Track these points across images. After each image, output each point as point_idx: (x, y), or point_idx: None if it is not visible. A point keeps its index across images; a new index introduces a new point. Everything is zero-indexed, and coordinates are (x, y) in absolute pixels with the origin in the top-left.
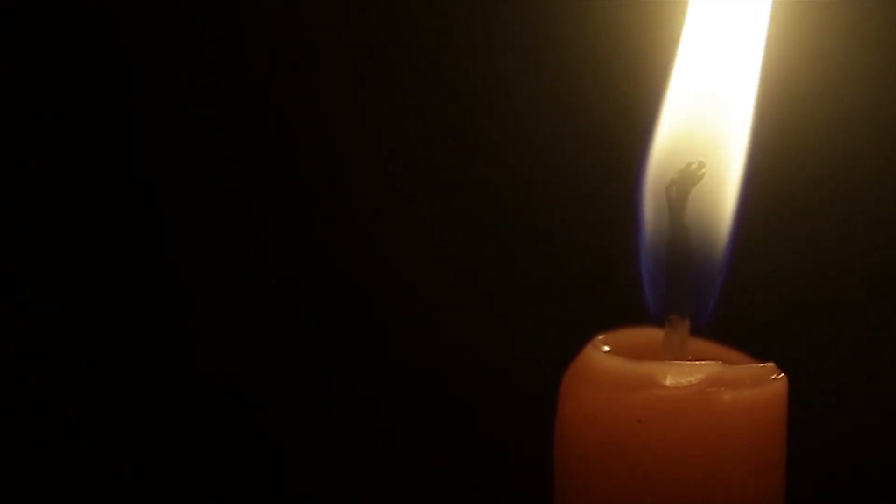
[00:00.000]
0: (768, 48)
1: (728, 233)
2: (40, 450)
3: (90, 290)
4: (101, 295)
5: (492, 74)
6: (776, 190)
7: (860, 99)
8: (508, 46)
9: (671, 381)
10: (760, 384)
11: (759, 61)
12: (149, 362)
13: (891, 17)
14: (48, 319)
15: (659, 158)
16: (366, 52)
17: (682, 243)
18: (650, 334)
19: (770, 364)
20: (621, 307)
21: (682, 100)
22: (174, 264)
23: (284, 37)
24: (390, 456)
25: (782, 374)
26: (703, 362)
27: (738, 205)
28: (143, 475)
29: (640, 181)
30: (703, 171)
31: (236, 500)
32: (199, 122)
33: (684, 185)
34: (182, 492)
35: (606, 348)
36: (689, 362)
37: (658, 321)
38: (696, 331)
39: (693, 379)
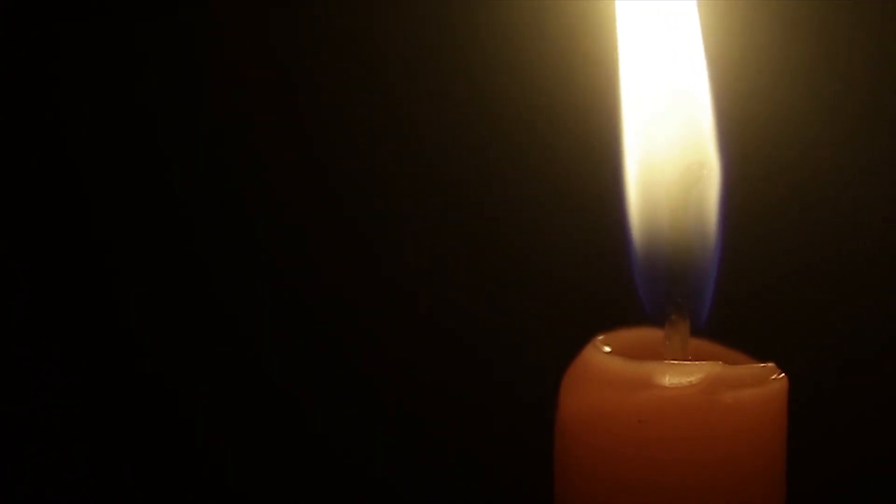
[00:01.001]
0: (733, 42)
1: (716, 232)
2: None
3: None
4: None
5: (491, 76)
6: (774, 189)
7: (846, 92)
8: (497, 48)
9: (671, 381)
10: (760, 384)
11: (703, 54)
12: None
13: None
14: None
15: (646, 159)
16: (342, 59)
17: (682, 244)
18: (650, 334)
19: (770, 364)
20: (621, 307)
21: (660, 99)
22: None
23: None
24: (390, 456)
25: (782, 374)
26: (703, 362)
27: (724, 203)
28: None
29: (621, 183)
30: (703, 171)
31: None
32: (149, 123)
33: (685, 185)
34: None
35: (606, 348)
36: (689, 362)
37: (658, 321)
38: (696, 331)
39: (693, 379)
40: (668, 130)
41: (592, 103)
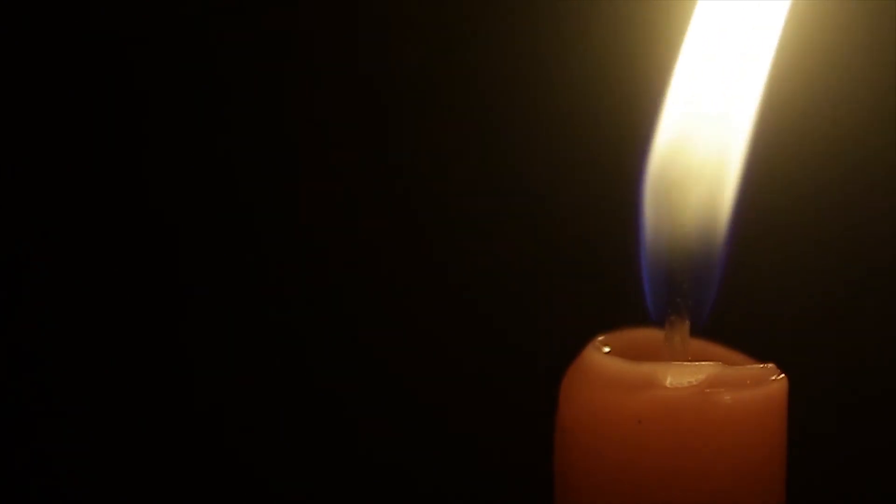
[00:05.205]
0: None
1: (725, 233)
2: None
3: (79, 292)
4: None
5: (494, 76)
6: (775, 190)
7: (855, 97)
8: (509, 48)
9: (671, 381)
10: (760, 385)
11: (765, 65)
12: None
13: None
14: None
15: (659, 159)
16: (360, 54)
17: (682, 244)
18: (650, 335)
19: (770, 364)
20: (621, 307)
21: (682, 101)
22: (172, 271)
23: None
24: (389, 456)
25: (782, 375)
26: (703, 363)
27: (736, 205)
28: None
29: (640, 182)
30: (705, 172)
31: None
32: (197, 122)
33: (685, 186)
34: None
35: (606, 349)
36: (689, 363)
37: (658, 322)
38: (696, 331)
39: (693, 380)
40: (674, 131)
41: (602, 103)
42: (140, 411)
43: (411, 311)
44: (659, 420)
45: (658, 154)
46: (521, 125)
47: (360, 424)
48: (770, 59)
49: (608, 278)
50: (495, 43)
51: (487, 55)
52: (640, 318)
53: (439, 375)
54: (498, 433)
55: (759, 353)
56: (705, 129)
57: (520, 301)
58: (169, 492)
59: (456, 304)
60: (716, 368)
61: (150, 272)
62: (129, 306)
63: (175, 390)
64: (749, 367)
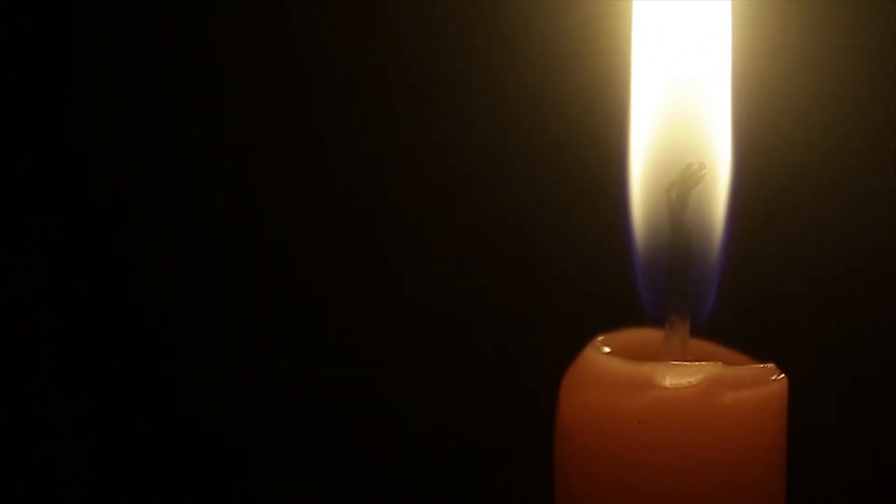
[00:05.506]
0: (739, 43)
1: (722, 233)
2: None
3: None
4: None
5: (490, 77)
6: (775, 190)
7: (850, 93)
8: (497, 50)
9: (671, 381)
10: (760, 385)
11: (729, 55)
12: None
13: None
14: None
15: (647, 159)
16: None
17: (682, 244)
18: (650, 335)
19: (770, 364)
20: (621, 307)
21: (661, 99)
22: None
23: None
24: (389, 457)
25: (782, 375)
26: (703, 363)
27: (730, 204)
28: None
29: (624, 183)
30: (703, 171)
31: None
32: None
33: (685, 186)
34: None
35: (606, 349)
36: (689, 363)
37: (658, 322)
38: (696, 331)
39: (693, 380)
40: (671, 130)
41: (600, 102)
42: (136, 414)
43: (412, 311)
44: (659, 420)
45: (645, 154)
46: (521, 124)
47: (359, 425)
48: (730, 51)
49: (608, 278)
50: (484, 46)
51: (479, 56)
52: (640, 318)
53: (440, 375)
54: (498, 433)
55: (759, 353)
56: (693, 125)
57: (520, 301)
58: (163, 493)
59: (456, 305)
60: (716, 368)
61: (139, 273)
62: (124, 307)
63: (172, 392)
64: (749, 367)
